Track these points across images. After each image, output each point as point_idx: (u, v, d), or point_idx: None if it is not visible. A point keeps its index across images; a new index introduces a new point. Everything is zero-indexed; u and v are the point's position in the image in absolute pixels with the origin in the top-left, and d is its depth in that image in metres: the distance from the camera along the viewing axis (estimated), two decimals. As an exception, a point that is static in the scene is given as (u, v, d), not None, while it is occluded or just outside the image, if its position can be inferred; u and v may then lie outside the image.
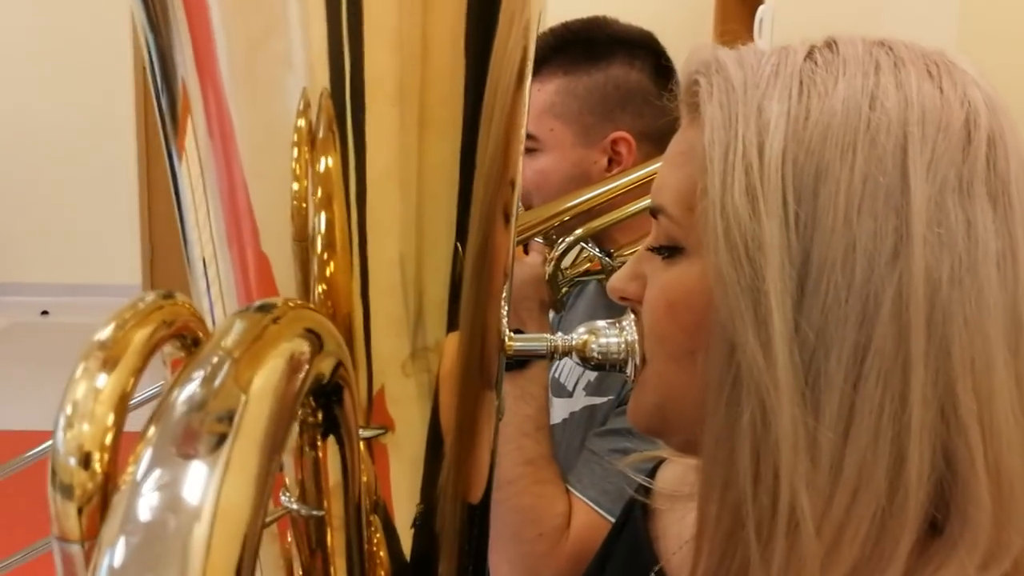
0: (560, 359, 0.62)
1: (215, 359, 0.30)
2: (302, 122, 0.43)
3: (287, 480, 0.44)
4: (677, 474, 0.69)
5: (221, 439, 0.27)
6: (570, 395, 1.22)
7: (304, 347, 0.34)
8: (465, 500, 0.53)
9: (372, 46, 0.43)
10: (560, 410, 1.22)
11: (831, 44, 0.47)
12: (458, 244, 0.48)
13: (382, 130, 0.44)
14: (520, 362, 1.10)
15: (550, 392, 1.17)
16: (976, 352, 0.42)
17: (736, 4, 3.03)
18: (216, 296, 0.47)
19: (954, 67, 0.46)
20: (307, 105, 0.43)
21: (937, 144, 0.43)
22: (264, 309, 0.35)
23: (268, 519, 0.43)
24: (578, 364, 0.63)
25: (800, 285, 0.43)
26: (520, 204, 1.20)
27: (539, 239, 1.08)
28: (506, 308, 0.54)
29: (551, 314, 1.18)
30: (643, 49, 1.19)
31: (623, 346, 0.60)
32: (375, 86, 0.44)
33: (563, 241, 1.08)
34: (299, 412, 0.40)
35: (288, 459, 0.42)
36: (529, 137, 1.18)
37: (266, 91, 0.43)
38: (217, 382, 0.29)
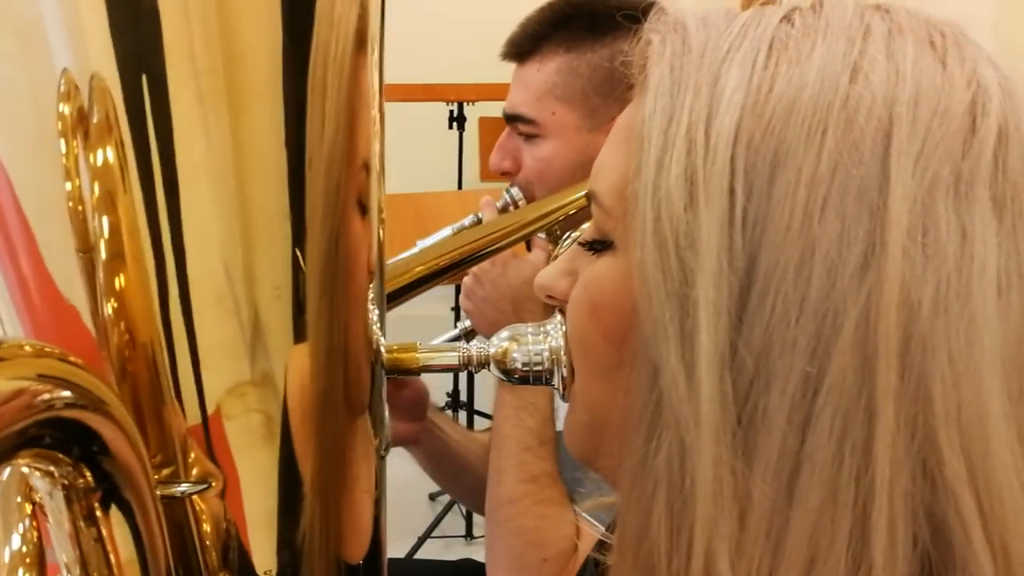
0: (477, 371, 0.53)
1: None
2: (67, 108, 0.35)
3: (64, 560, 0.35)
4: None
5: None
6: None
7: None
8: (340, 557, 0.44)
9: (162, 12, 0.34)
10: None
11: (816, 5, 0.39)
12: (296, 248, 0.39)
13: (177, 110, 0.36)
14: None
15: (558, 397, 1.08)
16: (963, 398, 0.33)
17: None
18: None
19: (965, 40, 0.37)
20: (72, 87, 0.34)
21: (931, 131, 0.34)
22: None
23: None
24: (500, 377, 0.54)
25: (741, 297, 0.34)
26: (522, 196, 1.11)
27: (542, 235, 0.98)
28: (376, 312, 0.45)
29: (557, 316, 1.08)
30: None
31: (547, 354, 0.51)
32: (168, 58, 0.35)
33: (569, 236, 0.98)
34: (57, 475, 0.31)
35: (59, 535, 0.34)
36: (529, 122, 1.08)
37: (12, 70, 0.35)
38: None
